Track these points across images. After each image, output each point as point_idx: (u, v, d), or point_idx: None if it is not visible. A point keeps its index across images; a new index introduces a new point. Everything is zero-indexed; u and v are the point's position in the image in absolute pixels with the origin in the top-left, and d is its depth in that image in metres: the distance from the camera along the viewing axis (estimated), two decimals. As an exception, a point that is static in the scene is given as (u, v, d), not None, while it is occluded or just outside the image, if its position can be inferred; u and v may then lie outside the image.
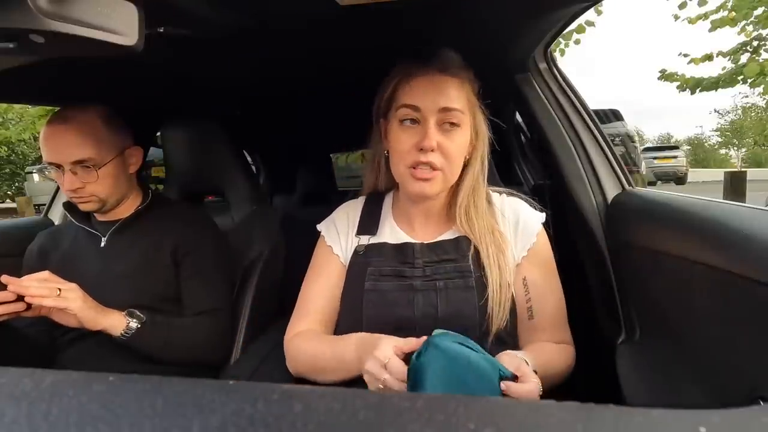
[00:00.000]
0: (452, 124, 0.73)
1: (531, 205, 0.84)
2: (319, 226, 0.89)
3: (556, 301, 0.81)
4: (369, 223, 0.84)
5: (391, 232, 0.83)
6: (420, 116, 0.72)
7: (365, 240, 0.82)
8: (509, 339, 0.78)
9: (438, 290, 0.74)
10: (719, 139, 38.06)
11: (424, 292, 0.74)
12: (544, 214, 0.82)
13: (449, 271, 0.75)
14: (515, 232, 0.80)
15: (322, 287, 0.83)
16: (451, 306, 0.73)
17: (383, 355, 0.61)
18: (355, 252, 0.82)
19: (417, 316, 0.73)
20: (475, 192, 0.79)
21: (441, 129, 0.72)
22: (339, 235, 0.85)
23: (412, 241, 0.80)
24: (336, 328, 0.84)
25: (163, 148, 1.26)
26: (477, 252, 0.76)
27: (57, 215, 1.34)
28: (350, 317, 0.79)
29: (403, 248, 0.79)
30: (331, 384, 0.75)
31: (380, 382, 0.60)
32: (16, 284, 0.74)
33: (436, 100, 0.71)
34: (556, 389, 0.87)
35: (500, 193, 0.85)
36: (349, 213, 0.87)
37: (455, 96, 0.73)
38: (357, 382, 0.70)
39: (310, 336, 0.80)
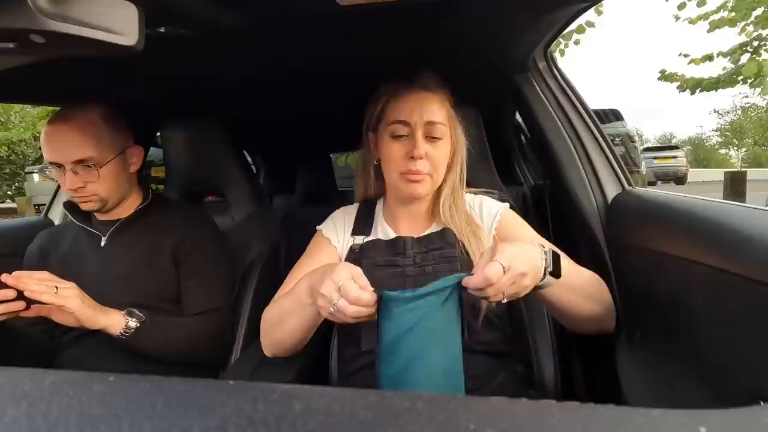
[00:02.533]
0: (435, 138, 0.82)
1: (498, 199, 0.93)
2: (318, 227, 0.95)
3: None
4: (363, 225, 0.92)
5: (383, 231, 0.90)
6: (409, 130, 0.81)
7: (360, 240, 0.89)
8: (498, 322, 0.83)
9: (427, 274, 0.81)
10: (719, 139, 38.07)
11: (415, 277, 0.81)
12: (507, 204, 0.91)
13: (437, 258, 0.83)
14: (481, 220, 0.89)
15: (310, 268, 0.85)
16: None
17: (338, 278, 0.60)
18: (351, 249, 0.88)
19: None
20: (455, 192, 0.89)
21: (427, 140, 0.82)
22: (336, 232, 0.92)
23: (403, 235, 0.87)
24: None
25: (163, 148, 1.26)
26: (461, 243, 0.84)
27: (57, 215, 1.34)
28: None
29: (395, 242, 0.86)
30: (297, 337, 0.77)
31: (333, 306, 0.60)
32: (15, 280, 0.74)
33: (423, 114, 0.81)
34: (559, 388, 0.87)
35: (473, 193, 0.94)
36: (345, 215, 0.95)
37: (437, 110, 0.83)
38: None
39: (277, 299, 0.83)
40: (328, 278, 0.61)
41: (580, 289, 0.74)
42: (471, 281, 0.60)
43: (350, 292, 0.59)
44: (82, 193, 0.92)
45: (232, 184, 1.25)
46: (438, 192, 0.88)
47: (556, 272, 0.67)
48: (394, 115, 0.82)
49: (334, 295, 0.60)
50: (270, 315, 0.81)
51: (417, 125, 0.80)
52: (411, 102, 0.81)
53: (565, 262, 0.73)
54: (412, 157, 0.80)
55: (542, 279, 0.66)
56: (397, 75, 0.85)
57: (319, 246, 0.91)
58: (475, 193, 0.94)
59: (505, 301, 0.62)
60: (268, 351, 0.84)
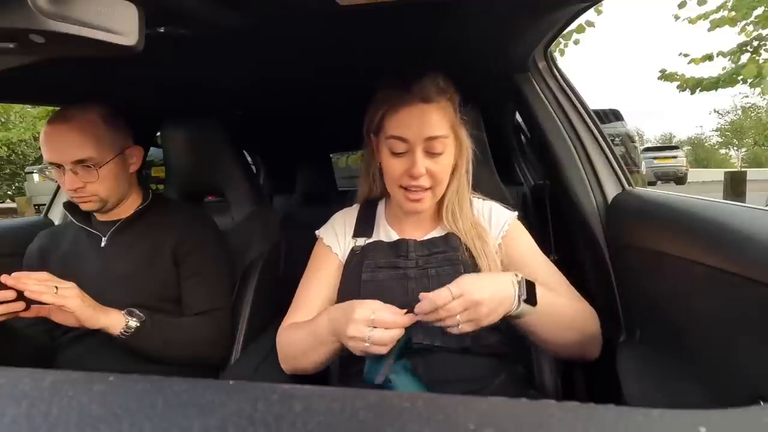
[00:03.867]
0: (436, 153, 0.79)
1: (506, 207, 0.92)
2: (317, 232, 0.94)
3: (545, 272, 0.84)
4: (365, 226, 0.91)
5: (385, 233, 0.89)
6: (408, 146, 0.78)
7: (362, 241, 0.88)
8: (501, 324, 0.81)
9: (430, 277, 0.80)
10: (719, 139, 38.04)
11: (418, 279, 0.80)
12: (516, 213, 0.91)
13: (440, 261, 0.82)
14: (489, 225, 0.88)
15: (319, 282, 0.88)
16: None
17: (360, 315, 0.65)
18: (352, 251, 0.88)
19: (412, 302, 0.79)
20: (460, 194, 0.87)
21: (427, 155, 0.79)
22: (337, 237, 0.91)
23: (406, 238, 0.87)
24: None
25: (163, 148, 1.26)
26: (465, 246, 0.83)
27: (57, 215, 1.34)
28: None
29: (397, 244, 0.86)
30: (320, 366, 0.79)
31: (367, 341, 0.64)
32: (15, 280, 0.74)
33: (422, 130, 0.77)
34: (560, 389, 0.87)
35: (480, 198, 0.93)
36: (345, 218, 0.94)
37: (437, 123, 0.78)
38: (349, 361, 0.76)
39: (296, 325, 0.83)
40: (350, 322, 0.66)
41: (562, 318, 0.75)
42: (419, 306, 0.65)
43: (386, 318, 0.65)
44: (81, 193, 0.92)
45: (232, 184, 1.25)
46: (443, 196, 0.86)
47: (531, 301, 0.69)
48: (392, 129, 0.78)
49: (365, 332, 0.64)
50: (289, 346, 0.81)
51: (416, 142, 0.77)
52: (408, 116, 0.77)
53: (546, 292, 0.73)
54: (411, 175, 0.78)
55: (517, 308, 0.68)
56: (397, 78, 0.80)
57: (322, 256, 0.90)
58: (484, 199, 0.93)
59: (460, 328, 0.65)
60: (288, 371, 0.84)
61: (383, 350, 0.65)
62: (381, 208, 0.94)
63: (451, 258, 0.82)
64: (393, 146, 0.79)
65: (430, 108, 0.78)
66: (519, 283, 0.69)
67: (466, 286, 0.64)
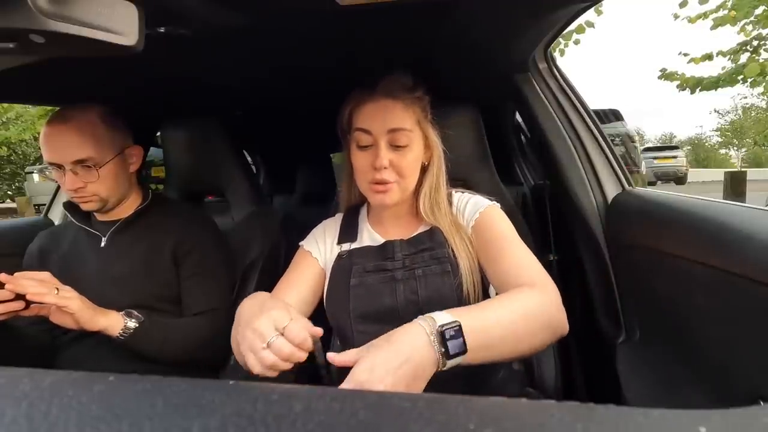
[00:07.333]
0: (399, 146, 0.79)
1: (488, 198, 0.89)
2: (301, 243, 0.93)
3: (510, 254, 0.76)
4: (348, 232, 0.90)
5: (370, 237, 0.89)
6: (372, 139, 0.79)
7: (347, 247, 0.88)
8: None
9: (417, 278, 0.79)
10: (719, 139, 38.04)
11: (405, 281, 0.80)
12: (492, 202, 0.87)
13: (426, 259, 0.81)
14: (464, 215, 0.86)
15: (288, 285, 0.87)
16: (430, 290, 0.78)
17: (280, 317, 0.57)
18: (338, 256, 0.87)
19: (400, 304, 0.79)
20: (437, 192, 0.86)
21: (392, 148, 0.80)
22: (318, 244, 0.91)
23: (392, 239, 0.86)
24: (329, 322, 0.87)
25: (163, 148, 1.26)
26: (449, 243, 0.82)
27: (57, 215, 1.34)
28: (337, 312, 0.83)
29: (384, 247, 0.85)
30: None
31: (265, 344, 0.56)
32: (14, 282, 0.74)
33: (384, 123, 0.79)
34: (559, 387, 0.87)
35: (462, 192, 0.92)
36: (327, 227, 0.93)
37: (401, 117, 0.80)
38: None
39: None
40: (263, 316, 0.57)
41: (517, 331, 0.63)
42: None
43: (296, 335, 0.56)
44: (82, 193, 0.92)
45: (232, 184, 1.25)
46: (418, 194, 0.86)
47: (460, 350, 0.57)
48: (357, 123, 0.81)
49: (271, 333, 0.56)
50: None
51: (379, 134, 0.79)
52: (372, 110, 0.79)
53: (488, 312, 0.62)
54: (375, 168, 0.79)
55: (444, 366, 0.56)
56: (366, 78, 0.82)
57: (300, 259, 0.90)
58: (471, 193, 0.91)
59: None
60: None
61: (272, 369, 0.56)
62: (363, 213, 0.94)
63: (437, 256, 0.81)
64: (358, 139, 0.81)
65: (395, 103, 0.80)
66: (436, 335, 0.56)
67: (361, 376, 0.52)
